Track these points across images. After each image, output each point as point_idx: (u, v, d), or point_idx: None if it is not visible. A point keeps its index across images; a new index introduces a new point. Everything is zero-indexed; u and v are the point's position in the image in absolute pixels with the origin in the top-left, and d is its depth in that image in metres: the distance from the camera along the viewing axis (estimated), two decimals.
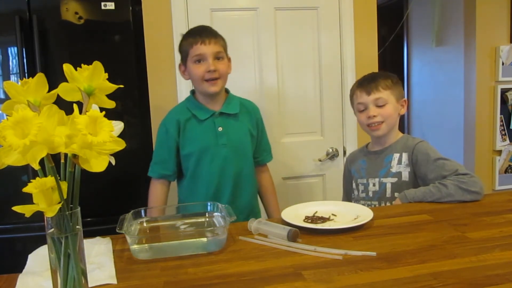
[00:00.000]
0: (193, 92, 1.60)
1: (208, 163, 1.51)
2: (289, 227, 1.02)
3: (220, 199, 1.50)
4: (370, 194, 1.46)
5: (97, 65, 0.66)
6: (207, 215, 1.18)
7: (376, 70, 2.29)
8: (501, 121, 2.82)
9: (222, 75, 1.49)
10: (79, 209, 0.68)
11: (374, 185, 1.46)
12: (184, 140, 1.52)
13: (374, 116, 1.43)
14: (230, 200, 1.52)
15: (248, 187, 1.60)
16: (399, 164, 1.42)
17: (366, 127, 1.47)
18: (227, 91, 1.60)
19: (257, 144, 1.65)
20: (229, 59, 1.55)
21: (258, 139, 1.65)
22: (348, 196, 1.63)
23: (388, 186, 1.42)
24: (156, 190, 1.56)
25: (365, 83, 1.46)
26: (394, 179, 1.42)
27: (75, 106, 0.63)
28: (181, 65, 1.55)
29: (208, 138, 1.51)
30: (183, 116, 1.53)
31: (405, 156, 1.42)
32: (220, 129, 1.52)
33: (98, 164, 0.62)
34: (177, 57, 2.04)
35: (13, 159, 0.59)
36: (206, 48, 1.45)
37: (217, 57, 1.48)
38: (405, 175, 1.40)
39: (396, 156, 1.44)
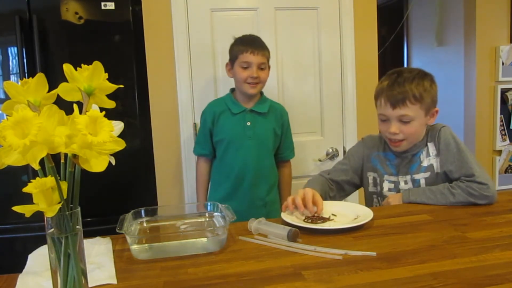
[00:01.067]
0: (232, 90, 1.84)
1: (234, 150, 1.76)
2: (289, 227, 1.02)
3: (242, 184, 1.76)
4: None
5: (97, 65, 0.66)
6: (207, 215, 1.19)
7: (376, 70, 2.29)
8: (501, 121, 2.82)
9: (261, 81, 1.74)
10: (79, 209, 0.68)
11: (406, 183, 1.37)
12: (217, 128, 1.78)
13: (396, 133, 1.31)
14: (251, 186, 1.76)
15: (267, 178, 1.82)
16: (428, 156, 1.36)
17: (386, 138, 1.38)
18: (261, 93, 1.83)
19: (281, 142, 1.88)
20: (269, 67, 1.78)
21: (282, 138, 1.88)
22: (335, 177, 1.45)
23: (422, 182, 1.35)
24: (200, 166, 1.88)
25: (393, 90, 1.29)
26: (427, 174, 1.35)
27: (75, 106, 0.62)
28: (228, 64, 1.79)
29: (237, 129, 1.76)
30: (219, 108, 1.79)
31: (431, 146, 1.36)
32: (248, 123, 1.76)
33: (98, 164, 0.62)
34: (177, 57, 2.06)
35: (13, 159, 0.59)
36: (254, 58, 1.69)
37: (261, 68, 1.72)
38: (437, 166, 1.34)
39: (424, 149, 1.37)
